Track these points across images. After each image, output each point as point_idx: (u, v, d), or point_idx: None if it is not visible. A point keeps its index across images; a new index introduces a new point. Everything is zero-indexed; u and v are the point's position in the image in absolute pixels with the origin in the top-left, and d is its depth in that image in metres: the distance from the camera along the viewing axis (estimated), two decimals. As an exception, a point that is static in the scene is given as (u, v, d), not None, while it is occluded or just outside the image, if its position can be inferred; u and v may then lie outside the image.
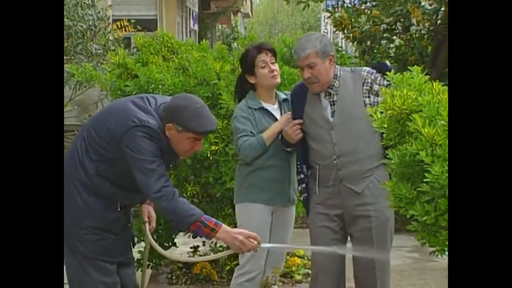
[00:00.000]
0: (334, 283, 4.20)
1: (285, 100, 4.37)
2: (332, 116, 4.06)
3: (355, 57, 8.96)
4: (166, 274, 5.80)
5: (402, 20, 8.50)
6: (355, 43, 8.75)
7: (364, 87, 4.06)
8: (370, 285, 4.15)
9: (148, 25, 14.47)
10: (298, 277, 5.62)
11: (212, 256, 4.68)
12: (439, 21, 8.30)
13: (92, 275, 3.52)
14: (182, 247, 5.93)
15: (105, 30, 10.98)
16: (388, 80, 2.99)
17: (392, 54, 8.96)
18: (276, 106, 4.35)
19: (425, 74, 3.03)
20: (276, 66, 4.32)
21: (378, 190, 3.98)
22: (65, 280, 3.43)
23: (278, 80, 4.33)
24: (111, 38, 11.03)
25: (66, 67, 5.80)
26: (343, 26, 8.39)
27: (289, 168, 4.34)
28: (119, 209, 3.56)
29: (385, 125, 2.93)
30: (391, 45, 8.97)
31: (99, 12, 10.89)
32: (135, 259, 3.99)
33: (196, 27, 22.61)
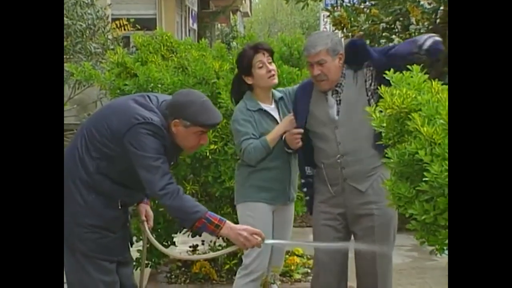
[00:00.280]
0: (335, 281, 4.20)
1: (281, 98, 4.37)
2: (337, 114, 4.07)
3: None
4: (165, 273, 5.79)
5: (401, 19, 8.50)
6: (354, 42, 8.73)
7: (367, 85, 4.05)
8: (372, 284, 4.15)
9: (147, 24, 14.49)
10: (297, 276, 5.62)
11: (215, 253, 4.65)
12: (438, 20, 8.29)
13: (91, 274, 3.51)
14: (181, 246, 5.93)
15: (104, 29, 10.98)
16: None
17: (392, 53, 8.96)
18: (273, 105, 4.35)
19: (425, 73, 3.03)
20: (273, 66, 4.31)
21: (381, 189, 3.97)
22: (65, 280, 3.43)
23: (276, 80, 4.32)
24: (110, 37, 11.03)
25: (65, 66, 5.78)
26: (342, 25, 8.38)
27: (289, 168, 4.36)
28: (119, 207, 3.57)
29: (384, 124, 2.93)
30: (391, 44, 8.96)
31: (98, 11, 10.89)
32: (134, 258, 3.99)
33: (195, 26, 22.62)
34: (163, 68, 5.36)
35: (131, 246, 3.79)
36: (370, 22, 8.40)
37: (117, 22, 12.04)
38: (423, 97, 2.84)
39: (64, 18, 9.45)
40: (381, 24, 8.43)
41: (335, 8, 8.81)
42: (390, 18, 8.37)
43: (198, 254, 5.72)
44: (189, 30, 21.37)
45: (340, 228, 4.16)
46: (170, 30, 10.21)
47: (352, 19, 8.36)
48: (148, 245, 4.06)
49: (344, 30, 8.59)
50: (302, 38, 5.95)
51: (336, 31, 8.99)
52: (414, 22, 8.31)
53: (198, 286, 5.54)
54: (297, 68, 5.42)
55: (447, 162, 2.57)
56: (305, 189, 4.29)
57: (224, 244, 5.46)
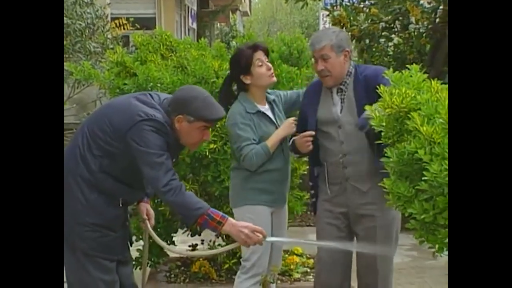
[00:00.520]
0: (337, 280, 4.19)
1: (273, 100, 4.36)
2: (340, 113, 4.07)
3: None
4: (165, 273, 5.79)
5: (400, 18, 8.50)
6: (353, 41, 8.74)
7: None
8: (373, 284, 4.15)
9: (146, 23, 14.50)
10: (296, 275, 5.62)
11: (217, 250, 4.63)
12: (437, 20, 8.30)
13: (91, 273, 3.52)
14: (181, 246, 5.92)
15: (103, 28, 10.98)
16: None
17: (391, 53, 8.97)
18: (267, 106, 4.34)
19: (424, 73, 3.03)
20: (270, 65, 4.31)
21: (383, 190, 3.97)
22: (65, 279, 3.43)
23: (275, 78, 4.31)
24: (109, 36, 11.03)
25: (65, 65, 5.78)
26: (341, 24, 8.38)
27: (287, 170, 4.38)
28: (120, 205, 3.58)
29: (384, 123, 2.93)
30: (390, 44, 8.97)
31: (97, 10, 10.89)
32: (134, 257, 3.99)
33: (194, 26, 22.62)
34: (163, 68, 5.36)
35: (131, 246, 3.79)
36: (369, 21, 8.40)
37: (116, 21, 12.05)
38: (423, 96, 2.84)
39: (64, 17, 9.44)
40: (381, 24, 8.44)
41: (335, 8, 8.81)
42: (389, 17, 8.38)
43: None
44: (188, 30, 21.37)
45: (343, 227, 4.15)
46: (169, 30, 10.19)
47: (351, 18, 8.36)
48: (148, 244, 4.06)
49: (344, 29, 8.59)
50: (302, 37, 5.96)
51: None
52: (414, 22, 8.32)
53: (197, 285, 5.54)
54: (296, 68, 5.42)
55: (446, 161, 2.58)
56: (312, 191, 4.28)
57: (223, 243, 5.46)
